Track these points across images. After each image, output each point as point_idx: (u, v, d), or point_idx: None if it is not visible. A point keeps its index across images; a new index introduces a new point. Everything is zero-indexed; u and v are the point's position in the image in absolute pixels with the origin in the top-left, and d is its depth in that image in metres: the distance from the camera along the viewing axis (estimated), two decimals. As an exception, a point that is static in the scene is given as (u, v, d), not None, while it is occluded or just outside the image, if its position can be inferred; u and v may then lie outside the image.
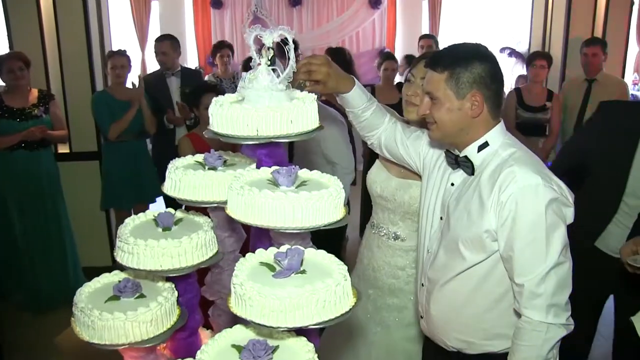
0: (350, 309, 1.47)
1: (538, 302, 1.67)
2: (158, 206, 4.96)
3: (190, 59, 9.21)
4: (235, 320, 1.98)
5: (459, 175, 1.83)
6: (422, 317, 2.01)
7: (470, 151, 1.78)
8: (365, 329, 2.40)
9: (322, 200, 1.51)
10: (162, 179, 4.84)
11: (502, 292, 1.79)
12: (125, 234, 1.78)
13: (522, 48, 8.46)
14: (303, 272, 1.51)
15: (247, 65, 1.81)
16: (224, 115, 1.64)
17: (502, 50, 8.70)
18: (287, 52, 1.68)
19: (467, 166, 1.78)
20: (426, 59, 2.15)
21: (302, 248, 1.56)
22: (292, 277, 1.49)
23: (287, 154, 1.84)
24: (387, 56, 5.53)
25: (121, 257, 1.77)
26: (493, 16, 9.50)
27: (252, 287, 1.40)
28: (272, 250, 1.62)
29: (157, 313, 1.70)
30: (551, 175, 1.72)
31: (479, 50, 1.79)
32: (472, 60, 1.73)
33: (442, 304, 1.89)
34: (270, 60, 1.70)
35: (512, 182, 1.66)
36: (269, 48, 1.70)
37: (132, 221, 1.91)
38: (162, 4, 9.37)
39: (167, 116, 4.73)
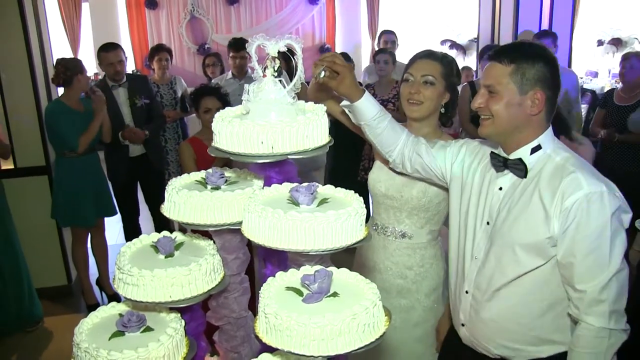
0: (386, 330, 1.41)
1: (600, 308, 1.64)
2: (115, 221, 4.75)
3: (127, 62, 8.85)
4: (243, 345, 1.91)
5: (508, 178, 1.79)
6: (463, 325, 1.95)
7: (523, 153, 1.75)
8: None
9: (350, 219, 1.44)
10: (117, 193, 4.57)
11: (556, 297, 1.77)
12: (126, 264, 1.65)
13: (462, 40, 8.65)
14: (335, 294, 1.44)
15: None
16: (234, 133, 1.52)
17: (443, 42, 8.85)
18: (295, 63, 1.60)
19: (520, 169, 1.75)
20: (423, 56, 2.14)
21: (327, 268, 1.49)
22: (324, 301, 1.41)
23: (296, 170, 1.76)
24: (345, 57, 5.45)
25: (124, 289, 1.65)
26: (432, 10, 9.64)
27: (289, 316, 1.32)
28: (294, 272, 1.53)
29: (169, 347, 1.59)
30: (610, 183, 1.71)
31: (546, 51, 1.76)
32: (539, 58, 1.70)
33: (493, 311, 1.83)
34: (276, 71, 1.62)
35: (577, 188, 1.64)
36: (274, 58, 1.61)
37: (129, 249, 1.78)
38: (93, 4, 8.95)
39: (122, 133, 4.43)
